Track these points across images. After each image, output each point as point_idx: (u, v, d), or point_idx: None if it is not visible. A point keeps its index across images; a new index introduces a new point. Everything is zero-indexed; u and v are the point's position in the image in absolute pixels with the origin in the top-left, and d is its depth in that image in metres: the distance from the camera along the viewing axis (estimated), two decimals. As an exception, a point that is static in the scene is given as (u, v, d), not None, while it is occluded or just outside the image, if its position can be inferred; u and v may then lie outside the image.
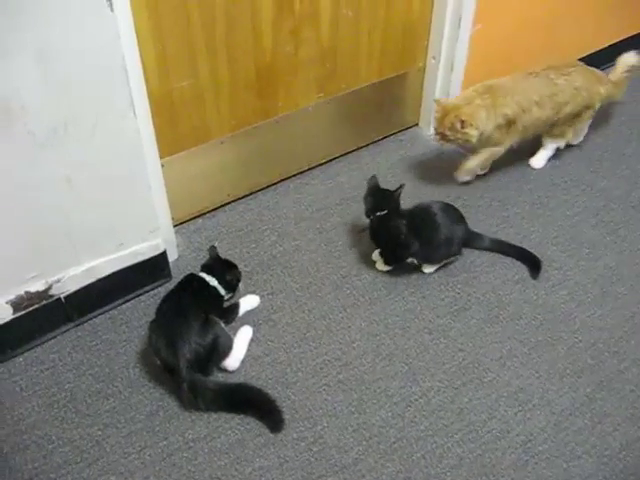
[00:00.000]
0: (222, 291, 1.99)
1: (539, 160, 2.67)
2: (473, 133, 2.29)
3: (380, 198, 2.16)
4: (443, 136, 2.34)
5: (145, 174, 1.92)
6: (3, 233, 1.76)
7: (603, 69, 2.69)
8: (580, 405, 1.88)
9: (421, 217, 2.14)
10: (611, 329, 2.08)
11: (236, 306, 2.05)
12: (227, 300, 2.03)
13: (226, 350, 1.89)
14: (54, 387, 1.91)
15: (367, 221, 2.18)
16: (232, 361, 1.92)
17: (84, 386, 1.91)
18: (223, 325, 1.91)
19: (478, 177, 2.60)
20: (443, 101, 2.35)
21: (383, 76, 2.57)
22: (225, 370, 1.93)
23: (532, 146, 2.65)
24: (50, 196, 1.77)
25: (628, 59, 2.65)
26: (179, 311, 1.86)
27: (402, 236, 2.11)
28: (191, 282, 1.98)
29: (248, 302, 2.09)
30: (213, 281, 1.97)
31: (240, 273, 2.06)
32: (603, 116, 2.82)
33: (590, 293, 2.19)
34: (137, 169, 1.90)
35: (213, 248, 2.08)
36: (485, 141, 2.38)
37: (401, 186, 2.14)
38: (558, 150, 2.68)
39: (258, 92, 2.25)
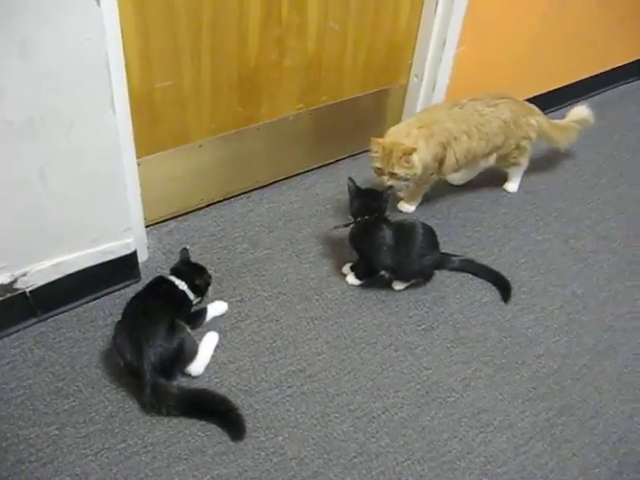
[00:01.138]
0: (191, 295, 1.97)
1: (513, 184, 2.71)
2: (419, 165, 2.24)
3: (370, 199, 2.14)
4: (392, 175, 2.24)
5: (121, 172, 1.90)
6: (-32, 221, 1.73)
7: (593, 95, 2.73)
8: (541, 429, 1.89)
9: (404, 232, 2.14)
10: (575, 356, 2.10)
11: (204, 311, 2.03)
12: (195, 305, 2.01)
13: (191, 355, 1.88)
14: (13, 382, 1.87)
15: (349, 220, 2.18)
16: (196, 366, 1.90)
17: (44, 383, 1.88)
18: (189, 330, 1.89)
19: (453, 197, 2.62)
20: (381, 140, 2.24)
21: (365, 91, 2.58)
22: (189, 375, 1.90)
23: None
24: (22, 189, 1.74)
25: (579, 111, 2.70)
26: (146, 313, 1.84)
27: (384, 247, 2.11)
28: (160, 285, 1.96)
29: (216, 308, 2.07)
30: (182, 285, 1.95)
31: (210, 278, 2.04)
32: (580, 145, 2.86)
33: (556, 319, 2.21)
34: (113, 166, 1.87)
35: (184, 251, 2.06)
36: (423, 173, 2.32)
37: (390, 187, 2.15)
38: (531, 176, 2.71)
39: (240, 98, 2.25)
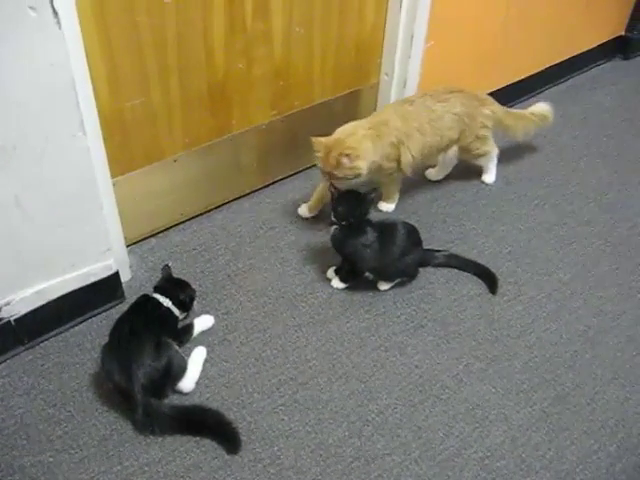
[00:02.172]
0: (176, 311, 1.96)
1: (489, 175, 2.71)
2: (362, 165, 2.17)
3: (354, 203, 2.09)
4: (332, 176, 2.17)
5: (96, 194, 1.89)
6: (-52, 255, 1.71)
7: (561, 82, 2.74)
8: (537, 420, 1.89)
9: (387, 233, 2.13)
10: (566, 343, 2.10)
11: (190, 326, 2.02)
12: (182, 320, 2.01)
13: (180, 372, 1.86)
14: (3, 413, 1.85)
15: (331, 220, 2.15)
16: (187, 383, 1.89)
17: (35, 411, 1.86)
18: (177, 347, 1.88)
19: (432, 193, 2.62)
20: (323, 139, 2.18)
21: (336, 93, 2.58)
22: (180, 392, 1.89)
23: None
24: (-1, 217, 1.73)
25: (539, 106, 2.71)
26: (132, 334, 1.82)
27: (368, 249, 2.09)
28: (144, 304, 1.95)
29: (202, 322, 2.06)
30: (167, 302, 1.94)
31: (194, 292, 2.04)
32: (556, 130, 2.87)
33: (545, 308, 2.21)
34: (88, 189, 1.86)
35: (166, 267, 2.06)
36: (377, 173, 2.31)
37: (374, 190, 2.13)
38: (510, 166, 2.71)
39: (211, 110, 2.24)
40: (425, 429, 1.86)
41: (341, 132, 2.22)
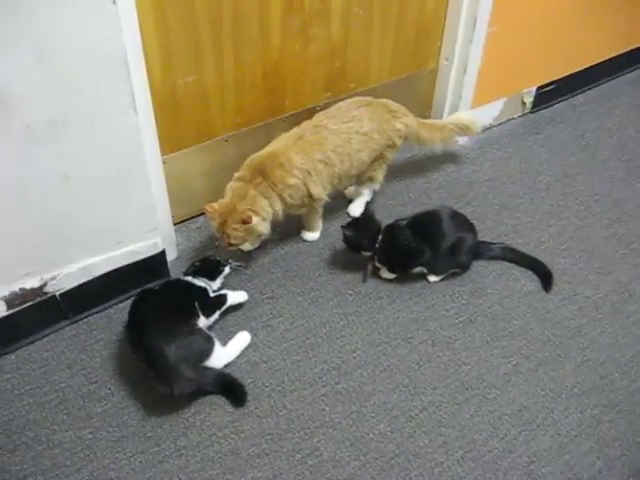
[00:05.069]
0: (200, 282, 1.97)
1: (357, 208, 2.38)
2: (262, 226, 2.03)
3: (368, 227, 2.10)
4: (230, 245, 2.03)
5: (145, 172, 1.87)
6: (-3, 228, 1.71)
7: (627, 73, 2.59)
8: (586, 427, 1.82)
9: (425, 223, 2.09)
10: (622, 348, 2.02)
11: (223, 297, 2.00)
12: (214, 291, 2.01)
13: (205, 350, 1.84)
14: (46, 387, 1.87)
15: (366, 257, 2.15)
16: (216, 361, 1.87)
17: (76, 387, 1.87)
18: (207, 321, 1.91)
19: (488, 185, 2.54)
20: (216, 205, 2.00)
21: (393, 77, 2.51)
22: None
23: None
24: (46, 192, 1.73)
25: (460, 115, 2.50)
26: (157, 312, 1.84)
27: (412, 244, 2.06)
28: (173, 284, 2.01)
29: (236, 296, 2.04)
30: (197, 280, 1.97)
31: (219, 261, 2.04)
32: (621, 122, 2.75)
33: (601, 309, 2.12)
34: (137, 167, 1.84)
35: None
36: (289, 210, 2.13)
37: (368, 204, 2.16)
38: (570, 158, 2.61)
39: (264, 90, 2.20)
40: (469, 429, 1.81)
41: (230, 195, 2.02)
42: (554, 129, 2.82)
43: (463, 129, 2.46)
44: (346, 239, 2.10)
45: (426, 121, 2.41)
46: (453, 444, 1.78)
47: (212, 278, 2.01)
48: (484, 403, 1.87)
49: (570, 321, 2.08)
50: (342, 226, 2.11)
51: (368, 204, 2.15)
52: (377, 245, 2.08)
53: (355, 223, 2.13)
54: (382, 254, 2.11)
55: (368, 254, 2.12)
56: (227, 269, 2.04)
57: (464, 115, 2.50)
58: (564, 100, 2.97)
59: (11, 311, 1.87)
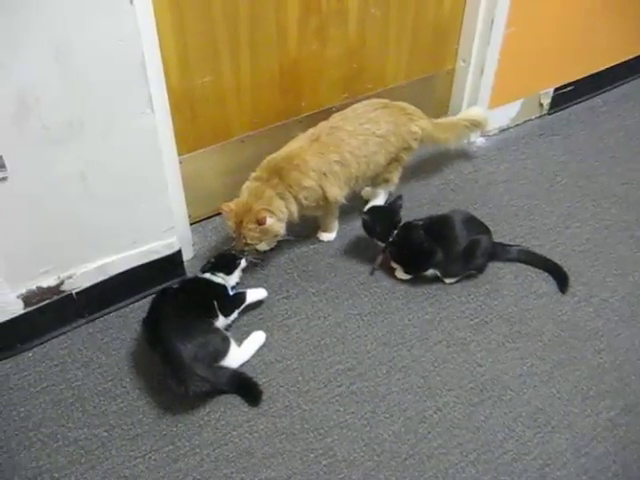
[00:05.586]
0: (224, 280, 1.98)
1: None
2: (278, 226, 2.03)
3: (387, 217, 2.11)
4: (247, 245, 2.03)
5: (161, 173, 1.88)
6: (15, 227, 1.73)
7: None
8: (602, 429, 1.81)
9: (439, 227, 2.09)
10: (638, 350, 2.00)
11: (243, 294, 2.01)
12: (233, 288, 2.01)
13: (221, 350, 1.85)
14: (62, 384, 1.88)
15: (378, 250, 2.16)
16: (231, 361, 1.87)
17: (92, 385, 1.88)
18: (226, 320, 1.92)
19: (504, 186, 2.53)
20: (232, 205, 2.00)
21: (411, 78, 2.52)
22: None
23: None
24: (64, 192, 1.75)
25: (473, 111, 2.49)
26: (176, 310, 1.84)
27: (425, 244, 2.06)
28: (192, 282, 2.01)
29: (255, 293, 2.05)
30: (215, 277, 1.97)
31: (235, 255, 2.05)
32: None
33: (617, 311, 2.10)
34: (153, 167, 1.85)
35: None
36: (304, 212, 2.14)
37: (399, 197, 2.12)
38: (588, 159, 2.59)
39: (281, 91, 2.21)
40: (484, 430, 1.80)
41: (247, 194, 2.03)
42: (572, 130, 2.81)
43: (476, 125, 2.46)
44: (363, 222, 2.12)
45: (439, 121, 2.40)
46: (467, 445, 1.77)
47: (229, 272, 2.01)
48: (499, 405, 1.85)
49: (586, 323, 2.07)
50: (363, 210, 2.14)
51: (399, 197, 2.14)
52: (391, 239, 2.09)
53: (376, 210, 2.16)
54: (394, 249, 2.11)
55: (381, 244, 2.13)
56: (243, 262, 2.05)
57: (476, 111, 2.50)
58: (582, 102, 2.96)
59: (28, 309, 1.89)
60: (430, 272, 2.13)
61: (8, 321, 1.88)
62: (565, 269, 2.18)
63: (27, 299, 1.87)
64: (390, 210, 2.13)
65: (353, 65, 2.31)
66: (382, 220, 2.11)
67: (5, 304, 1.85)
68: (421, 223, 2.12)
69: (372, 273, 2.19)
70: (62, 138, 1.64)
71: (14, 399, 1.85)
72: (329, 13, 2.13)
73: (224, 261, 2.03)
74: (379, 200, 2.37)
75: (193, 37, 1.92)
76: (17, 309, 1.87)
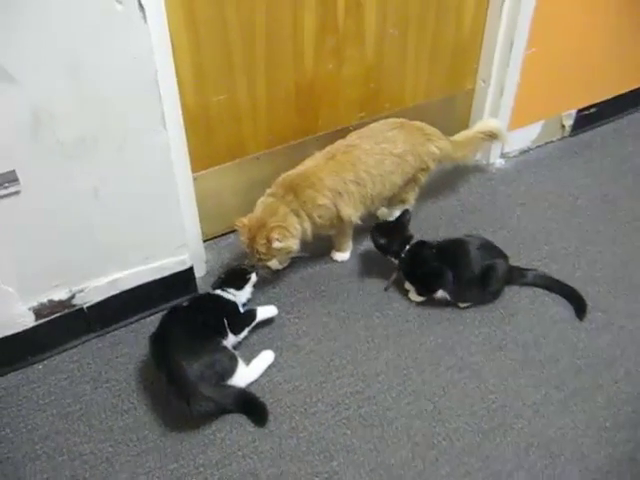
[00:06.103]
0: (235, 296, 1.98)
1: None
2: (292, 242, 2.02)
3: (397, 233, 2.10)
4: (260, 261, 2.02)
5: (174, 189, 1.89)
6: (28, 241, 1.74)
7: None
8: (618, 464, 1.75)
9: (453, 250, 2.07)
10: (657, 381, 1.95)
11: (253, 312, 2.00)
12: (244, 304, 2.01)
13: (228, 369, 1.83)
14: (70, 398, 1.88)
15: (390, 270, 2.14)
16: (239, 380, 1.86)
17: (100, 399, 1.88)
18: (236, 338, 1.91)
19: (522, 209, 2.49)
20: (246, 220, 2.00)
21: (429, 98, 2.50)
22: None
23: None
24: (77, 207, 1.75)
25: (488, 122, 2.45)
26: (184, 328, 1.84)
27: (433, 263, 2.05)
28: (202, 299, 2.00)
29: (266, 311, 2.04)
30: (226, 294, 1.97)
31: (245, 269, 2.04)
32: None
33: (636, 340, 2.06)
34: (166, 184, 1.86)
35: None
36: (318, 231, 2.12)
37: (407, 211, 2.12)
38: (610, 183, 2.55)
39: (297, 109, 2.20)
40: (494, 459, 1.76)
41: (261, 209, 2.02)
42: (594, 153, 2.77)
43: (492, 136, 2.43)
44: (372, 239, 2.11)
45: (456, 138, 2.38)
46: (476, 474, 1.73)
47: (240, 288, 2.01)
48: (510, 433, 1.81)
49: (603, 351, 2.02)
50: (372, 225, 2.13)
51: (406, 212, 2.12)
52: (402, 255, 2.08)
53: (385, 226, 2.14)
54: (405, 266, 2.10)
55: (394, 261, 2.11)
56: (254, 277, 2.04)
57: (492, 123, 2.47)
58: (606, 124, 2.92)
59: (39, 322, 1.90)
60: (440, 294, 2.09)
61: (19, 333, 1.88)
62: (583, 295, 2.14)
63: (38, 312, 1.88)
64: (398, 225, 2.12)
65: (370, 85, 2.30)
66: (391, 235, 2.09)
67: (16, 316, 1.86)
68: (435, 243, 2.09)
69: (386, 289, 2.17)
70: (75, 153, 1.65)
71: (23, 411, 1.85)
72: (346, 33, 2.13)
73: (234, 276, 2.02)
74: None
75: (209, 55, 1.93)
76: (28, 321, 1.88)
